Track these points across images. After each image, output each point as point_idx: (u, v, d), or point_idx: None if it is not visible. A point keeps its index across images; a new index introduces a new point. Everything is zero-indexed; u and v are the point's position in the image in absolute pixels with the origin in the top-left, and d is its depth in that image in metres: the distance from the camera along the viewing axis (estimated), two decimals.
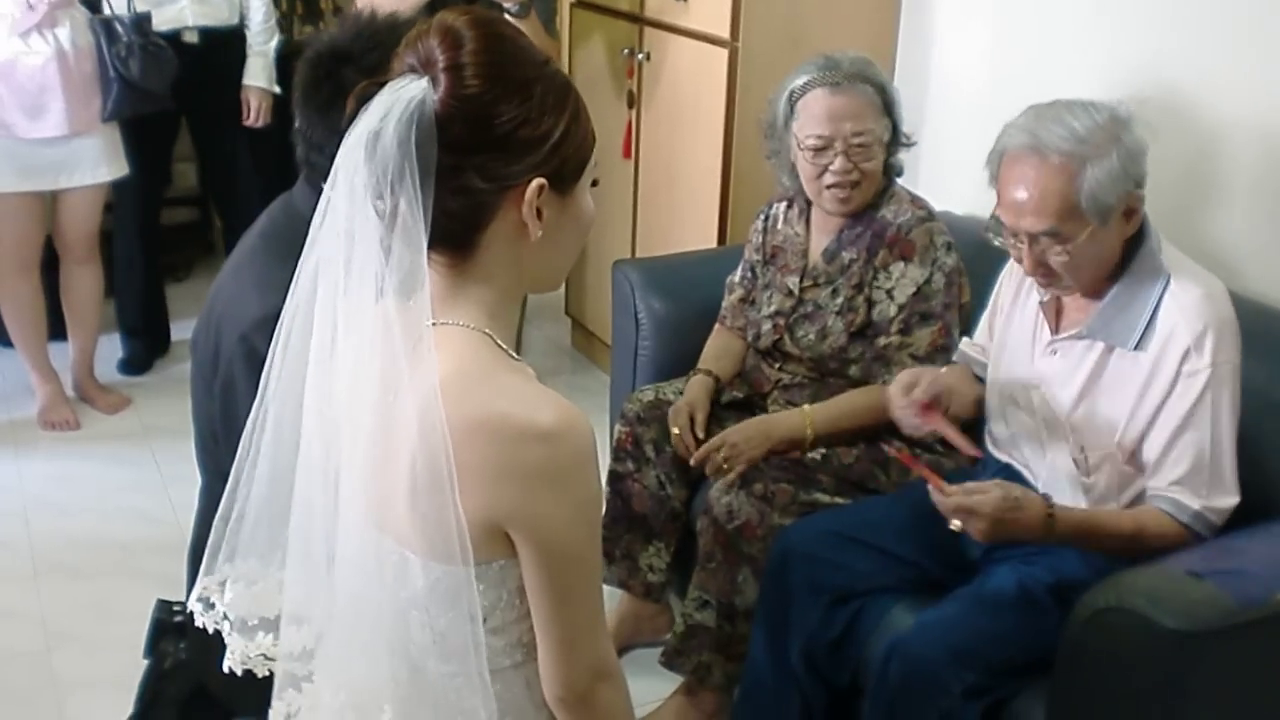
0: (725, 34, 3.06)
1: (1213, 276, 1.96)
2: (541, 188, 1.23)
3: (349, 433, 1.23)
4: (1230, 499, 1.92)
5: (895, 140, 2.47)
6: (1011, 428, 2.16)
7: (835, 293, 2.46)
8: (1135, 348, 1.93)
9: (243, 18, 3.90)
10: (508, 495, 1.19)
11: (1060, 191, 1.87)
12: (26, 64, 3.33)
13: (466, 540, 1.18)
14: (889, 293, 2.39)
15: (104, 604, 2.84)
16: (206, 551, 1.32)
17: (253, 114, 3.95)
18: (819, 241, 2.52)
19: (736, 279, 2.70)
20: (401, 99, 1.18)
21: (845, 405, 2.41)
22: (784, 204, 2.61)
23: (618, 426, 2.60)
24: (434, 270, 1.25)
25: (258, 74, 3.93)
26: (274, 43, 3.97)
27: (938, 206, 2.98)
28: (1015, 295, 2.18)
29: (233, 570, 1.32)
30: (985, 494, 1.88)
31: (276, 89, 3.98)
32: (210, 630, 1.35)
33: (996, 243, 2.00)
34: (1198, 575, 1.75)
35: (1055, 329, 2.06)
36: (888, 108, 2.43)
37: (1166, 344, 1.90)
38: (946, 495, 1.89)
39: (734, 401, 2.62)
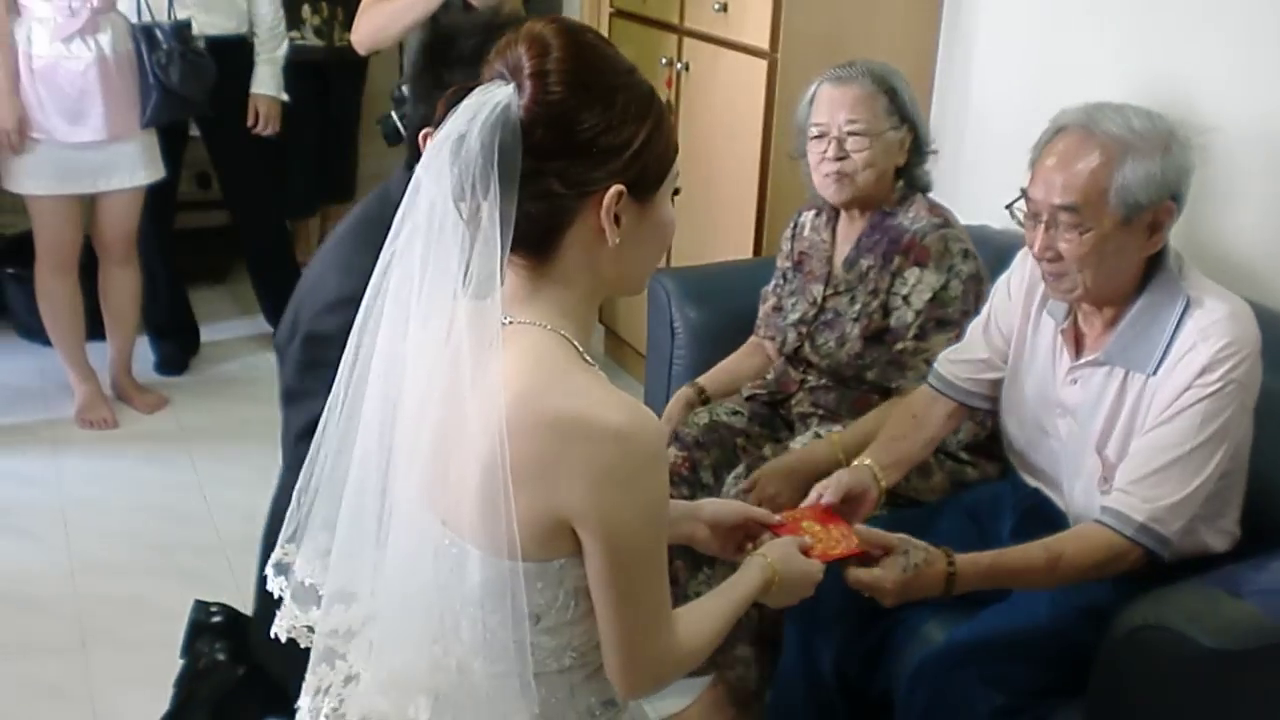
0: (765, 45, 3.06)
1: (1237, 298, 1.90)
2: (620, 194, 1.26)
3: (413, 424, 1.25)
4: (1181, 517, 1.83)
5: (916, 148, 2.48)
6: (1041, 455, 2.13)
7: (853, 300, 2.47)
8: (1154, 372, 1.88)
9: (251, 26, 3.93)
10: (577, 493, 1.21)
11: (1094, 172, 1.84)
12: (68, 69, 3.36)
13: (515, 537, 1.21)
14: (905, 298, 2.40)
15: (139, 602, 2.87)
16: (285, 521, 1.35)
17: (261, 121, 3.99)
18: (842, 250, 2.53)
19: (770, 288, 2.71)
20: (488, 103, 1.21)
21: (871, 425, 2.36)
22: (812, 212, 2.63)
23: (673, 450, 2.51)
24: (513, 271, 1.28)
25: (266, 82, 3.97)
26: (282, 50, 4.00)
27: (976, 220, 2.97)
28: (1028, 318, 2.11)
29: (304, 543, 1.35)
30: (885, 571, 1.82)
31: (284, 96, 4.02)
32: (277, 595, 1.37)
33: (1015, 220, 1.96)
34: (1236, 594, 1.74)
35: (1075, 356, 2.02)
36: (899, 110, 2.44)
37: (1182, 361, 1.85)
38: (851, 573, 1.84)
39: (757, 398, 2.63)
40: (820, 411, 2.52)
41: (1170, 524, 1.83)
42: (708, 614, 1.44)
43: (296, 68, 4.10)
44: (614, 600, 1.25)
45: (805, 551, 1.65)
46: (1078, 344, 2.02)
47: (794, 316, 2.57)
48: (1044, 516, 2.09)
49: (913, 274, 2.39)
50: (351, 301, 1.49)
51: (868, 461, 2.11)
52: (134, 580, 2.96)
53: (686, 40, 3.43)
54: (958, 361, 2.20)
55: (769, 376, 2.65)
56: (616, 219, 1.26)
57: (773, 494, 2.27)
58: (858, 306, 2.46)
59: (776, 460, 2.38)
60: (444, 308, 1.23)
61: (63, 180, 3.45)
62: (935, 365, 2.24)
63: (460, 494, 1.26)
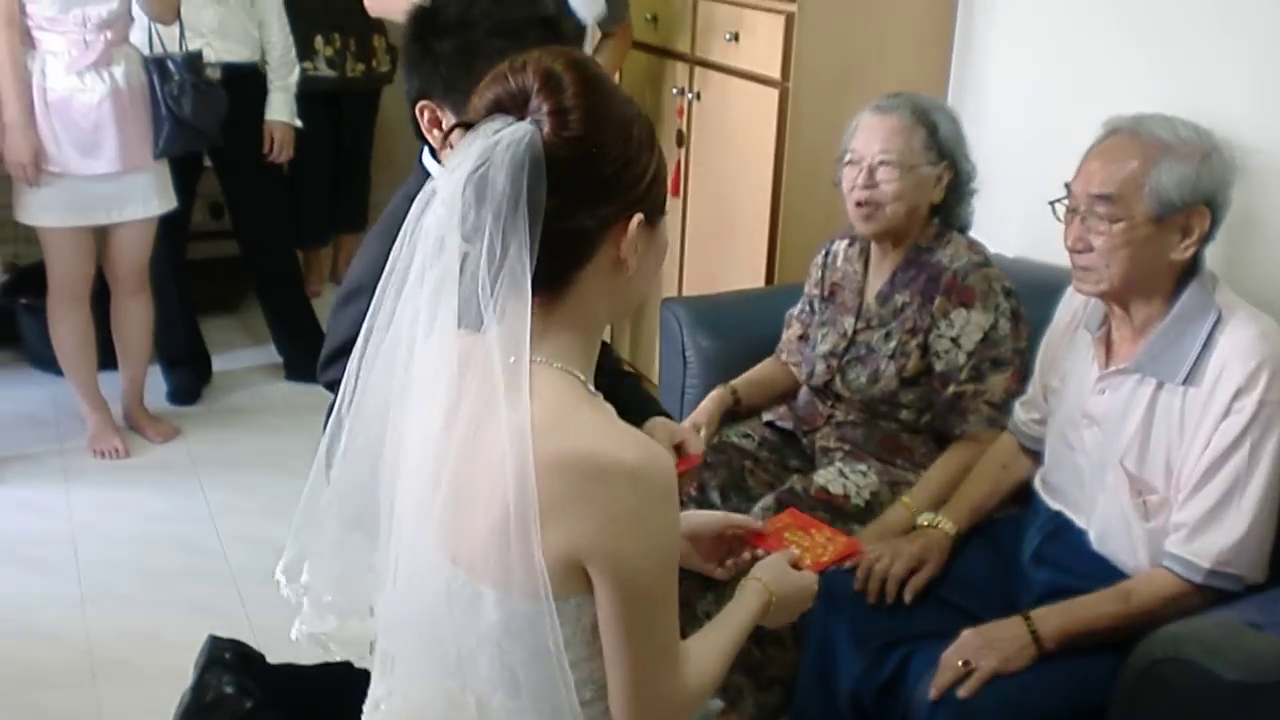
0: (776, 74, 3.07)
1: (1268, 317, 1.93)
2: (640, 223, 1.27)
3: (420, 464, 1.24)
4: (1248, 551, 1.86)
5: (957, 186, 2.46)
6: (1064, 472, 2.14)
7: (888, 336, 2.44)
8: (1184, 382, 1.90)
9: (264, 55, 3.95)
10: (590, 532, 1.20)
11: (1133, 166, 1.90)
12: (82, 101, 3.38)
13: (545, 576, 1.20)
14: (954, 340, 2.36)
15: (150, 633, 2.86)
16: (295, 521, 1.35)
17: (276, 148, 4.00)
18: (874, 283, 2.51)
19: (795, 313, 2.70)
20: (505, 141, 1.20)
21: (940, 476, 2.35)
22: (845, 241, 2.61)
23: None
24: (509, 309, 1.26)
25: (280, 109, 4.00)
26: (294, 77, 4.03)
27: (991, 250, 2.97)
28: (1068, 345, 2.16)
29: (315, 544, 1.35)
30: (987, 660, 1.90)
31: (298, 123, 4.04)
32: (293, 601, 1.37)
33: (1055, 216, 2.02)
34: (1257, 626, 1.72)
35: (1105, 364, 2.04)
36: (938, 145, 2.43)
37: (1218, 381, 1.87)
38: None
39: (782, 430, 2.61)
40: (846, 446, 2.49)
41: (1238, 562, 1.86)
42: (711, 648, 1.43)
43: (309, 98, 4.13)
44: (622, 639, 1.24)
45: (795, 564, 1.64)
46: (1108, 353, 2.04)
47: (824, 348, 2.55)
48: (1066, 539, 2.10)
49: (959, 315, 2.37)
50: (357, 291, 1.52)
51: (947, 528, 2.19)
52: (144, 611, 2.95)
53: (698, 69, 3.43)
54: (1029, 419, 2.27)
55: (796, 403, 2.64)
56: (634, 247, 1.27)
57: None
58: (893, 344, 2.43)
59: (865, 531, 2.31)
60: (456, 344, 1.23)
61: (76, 212, 3.46)
62: (1014, 418, 2.30)
63: (473, 533, 1.25)
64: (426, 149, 1.88)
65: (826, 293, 2.60)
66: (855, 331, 2.50)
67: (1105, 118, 2.10)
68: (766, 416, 2.64)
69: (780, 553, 1.67)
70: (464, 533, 1.25)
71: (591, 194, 1.23)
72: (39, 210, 3.45)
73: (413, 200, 1.85)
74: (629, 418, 1.31)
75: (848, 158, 2.45)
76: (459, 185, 1.21)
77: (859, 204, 2.42)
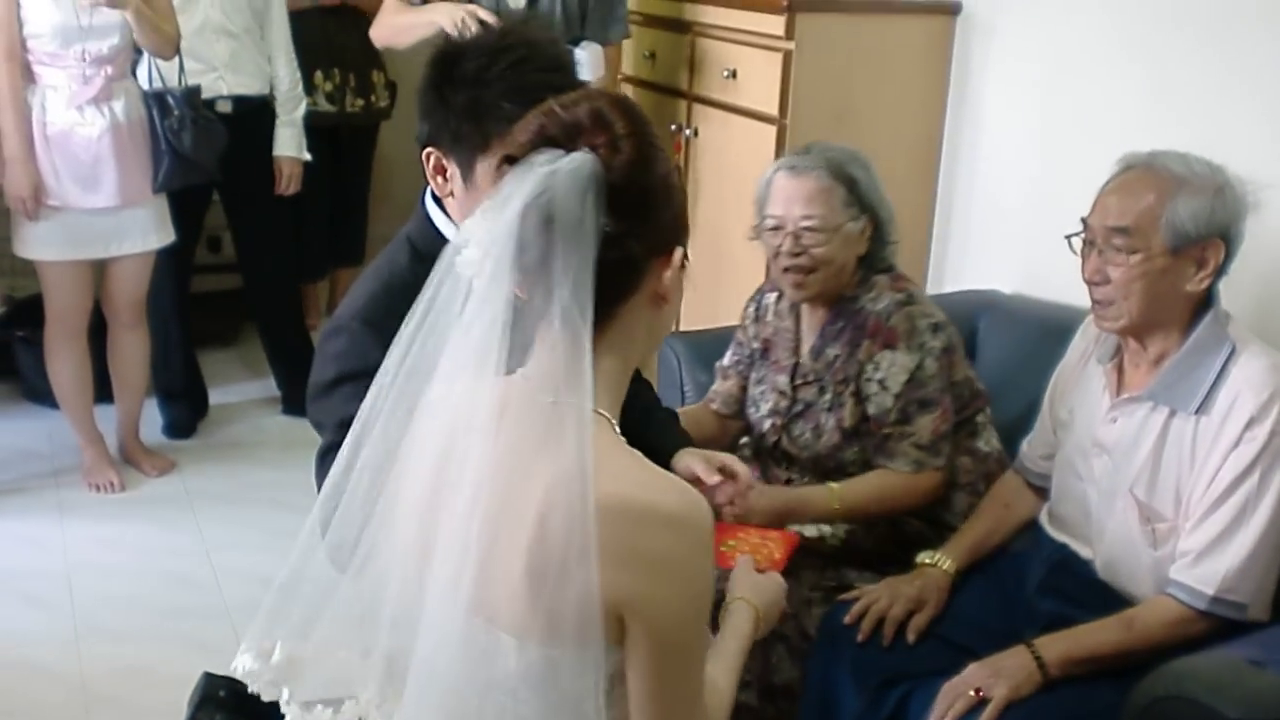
0: (774, 111, 3.08)
1: (1278, 351, 1.95)
2: (682, 255, 1.29)
3: (449, 510, 1.21)
4: (1252, 578, 1.86)
5: (878, 236, 2.38)
6: (1070, 503, 2.14)
7: (823, 390, 2.40)
8: (1197, 411, 1.91)
9: (272, 87, 3.97)
10: (627, 579, 1.18)
11: (1149, 199, 1.93)
12: (81, 135, 3.39)
13: (597, 622, 1.18)
14: (881, 383, 2.31)
15: (144, 669, 2.84)
16: (263, 613, 1.32)
17: (284, 182, 4.01)
18: (808, 338, 2.45)
19: (727, 364, 2.61)
20: (565, 171, 1.20)
21: (871, 487, 2.33)
22: (775, 295, 2.54)
23: None
24: (553, 348, 1.24)
25: (288, 143, 4.00)
26: (300, 111, 4.04)
27: (986, 285, 2.98)
28: (1079, 378, 2.17)
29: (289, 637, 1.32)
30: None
31: (307, 156, 4.05)
32: (269, 699, 1.34)
33: (1071, 249, 2.03)
34: (1259, 664, 1.72)
35: (1117, 393, 2.05)
36: (859, 199, 2.34)
37: (1230, 411, 1.89)
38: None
39: None
40: None
41: (1242, 589, 1.86)
42: (720, 679, 1.41)
43: (309, 133, 4.14)
44: (655, 687, 1.22)
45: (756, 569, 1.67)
46: (1120, 382, 2.05)
47: (766, 407, 2.50)
48: (1071, 570, 2.09)
49: (885, 357, 2.31)
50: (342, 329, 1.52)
51: (947, 567, 2.19)
52: (139, 646, 2.94)
53: (696, 106, 3.45)
54: (1036, 455, 2.26)
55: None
56: (677, 280, 1.29)
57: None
58: (828, 397, 2.39)
59: (770, 498, 2.29)
60: (487, 386, 1.21)
61: (75, 246, 3.46)
62: (1020, 456, 2.30)
63: (498, 580, 1.22)
64: (430, 190, 1.88)
65: (762, 349, 2.54)
66: (795, 388, 2.45)
67: (1103, 153, 2.12)
68: None
69: (742, 562, 1.69)
70: (487, 581, 1.22)
71: (643, 223, 1.24)
72: (38, 244, 3.45)
73: (414, 241, 1.86)
74: (661, 456, 1.29)
75: (770, 224, 2.36)
76: (514, 217, 1.19)
77: (787, 270, 2.34)
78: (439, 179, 1.82)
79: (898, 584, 2.16)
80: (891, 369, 2.30)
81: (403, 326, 1.26)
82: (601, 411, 1.25)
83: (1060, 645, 1.93)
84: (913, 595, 2.14)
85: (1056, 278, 2.83)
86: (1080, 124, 2.84)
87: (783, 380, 2.47)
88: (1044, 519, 2.21)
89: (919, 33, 3.16)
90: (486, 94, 1.72)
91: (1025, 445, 2.30)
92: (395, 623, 1.27)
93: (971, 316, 2.82)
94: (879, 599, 2.14)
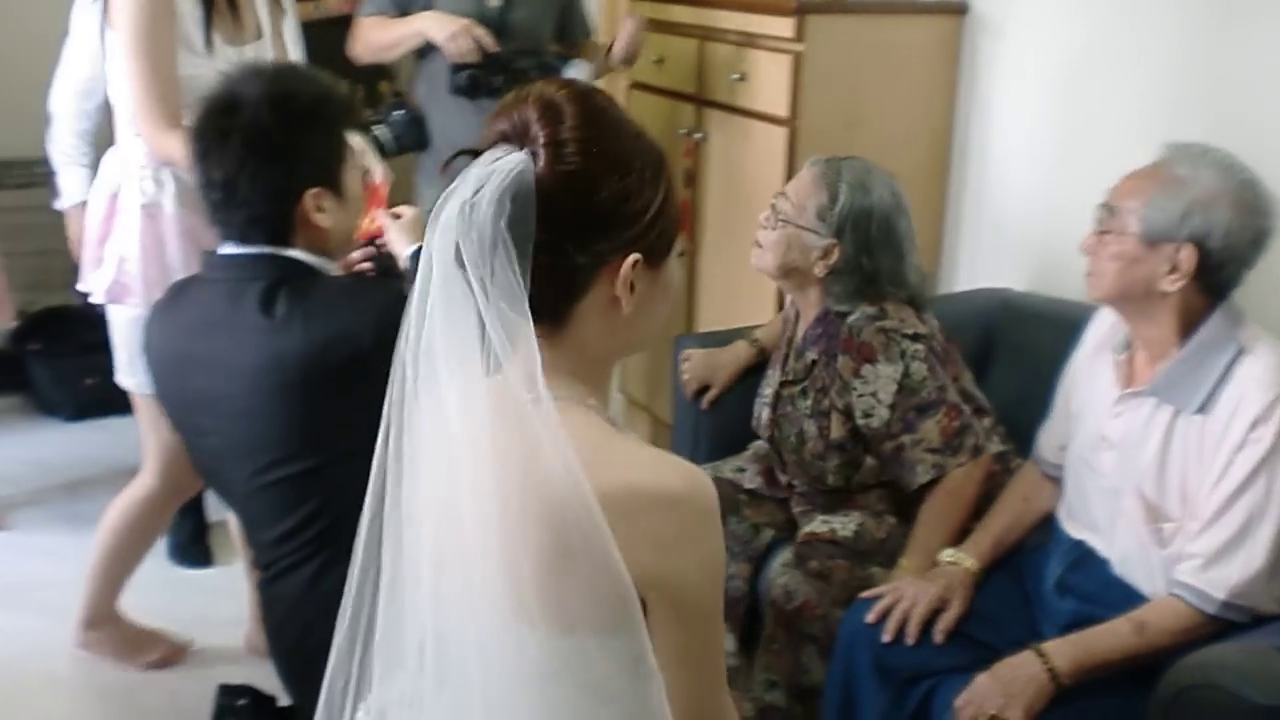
0: (784, 113, 3.09)
1: None
2: (636, 263, 1.24)
3: (450, 511, 1.21)
4: (1261, 584, 1.87)
5: (848, 268, 2.34)
6: (1084, 497, 2.14)
7: (804, 393, 2.41)
8: (1199, 410, 1.91)
9: None
10: (644, 563, 1.18)
11: (1142, 187, 1.96)
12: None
13: (621, 606, 1.17)
14: (874, 396, 2.30)
15: (158, 679, 2.84)
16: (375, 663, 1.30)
17: None
18: (798, 338, 2.48)
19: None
20: (499, 171, 1.19)
21: (923, 533, 2.29)
22: None
23: None
24: (521, 345, 1.23)
25: None
26: None
27: (998, 284, 2.99)
28: (1090, 367, 2.17)
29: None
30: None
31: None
32: None
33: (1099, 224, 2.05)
34: None
35: (1124, 387, 2.05)
36: (835, 219, 2.33)
37: (1235, 412, 1.88)
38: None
39: (759, 494, 2.61)
40: (815, 510, 2.47)
41: (1252, 595, 1.86)
42: None
43: None
44: (684, 662, 1.23)
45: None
46: (1129, 376, 2.05)
47: (766, 392, 2.55)
48: (1089, 568, 2.09)
49: (869, 371, 2.30)
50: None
51: (970, 565, 2.18)
52: None
53: (705, 110, 3.46)
54: (1053, 445, 2.26)
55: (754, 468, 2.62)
56: (630, 286, 1.25)
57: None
58: (809, 402, 2.40)
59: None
60: (473, 383, 1.20)
61: None
62: (1037, 447, 2.29)
63: (517, 577, 1.20)
64: None
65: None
66: (781, 384, 2.48)
67: (1113, 151, 2.14)
68: (748, 485, 2.62)
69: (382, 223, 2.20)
70: (510, 577, 1.21)
71: (582, 229, 1.21)
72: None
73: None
74: None
75: None
76: (451, 217, 1.18)
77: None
78: (318, 215, 1.96)
79: (921, 582, 2.16)
80: (879, 381, 2.29)
81: (399, 342, 1.25)
82: (590, 403, 1.26)
83: (1072, 652, 1.92)
84: (936, 594, 2.13)
85: (1069, 275, 2.82)
86: (1089, 122, 2.84)
87: (775, 374, 2.51)
88: (1061, 515, 2.21)
89: (928, 33, 3.17)
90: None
91: (1041, 436, 2.30)
92: (421, 628, 1.26)
93: (985, 315, 2.83)
94: (902, 598, 2.13)
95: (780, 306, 3.22)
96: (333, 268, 2.04)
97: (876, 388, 2.29)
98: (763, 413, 2.53)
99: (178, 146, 2.33)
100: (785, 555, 2.39)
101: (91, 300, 2.69)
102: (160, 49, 2.46)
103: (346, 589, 1.29)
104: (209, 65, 2.51)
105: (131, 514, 2.80)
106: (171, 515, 2.89)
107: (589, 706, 1.23)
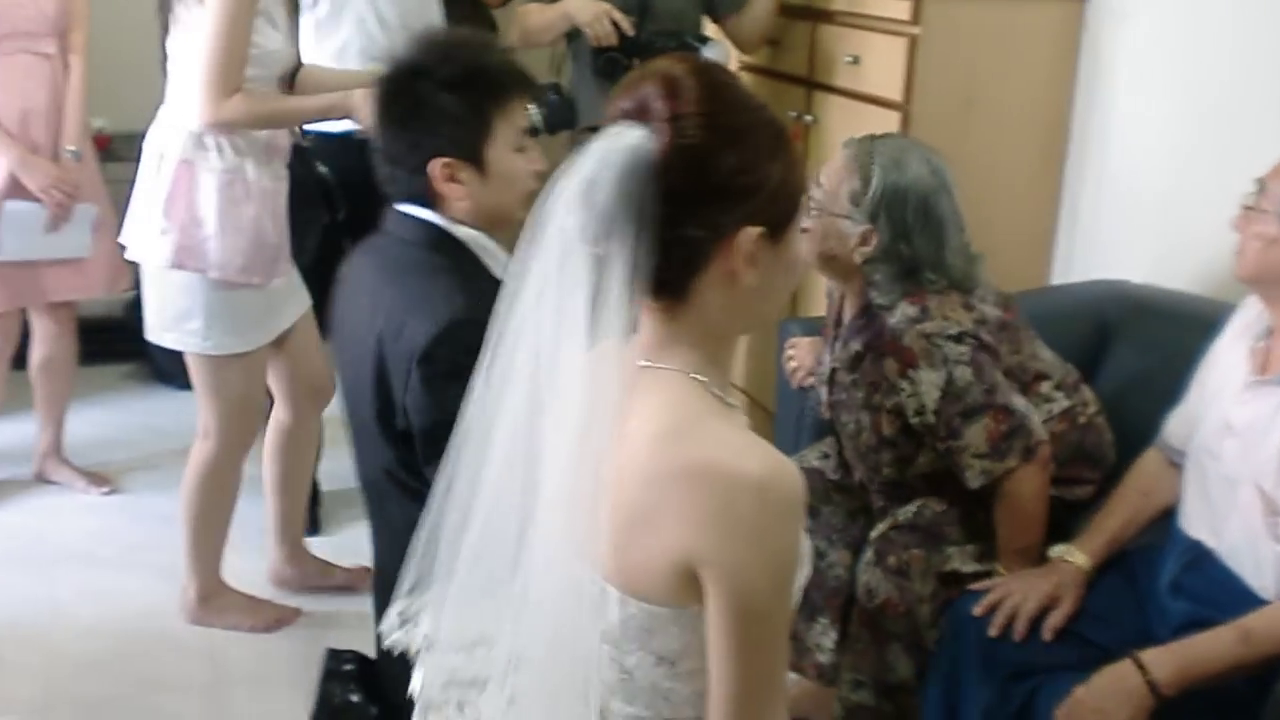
0: (898, 96, 3.04)
1: None
2: (757, 236, 1.24)
3: (554, 469, 1.23)
4: None
5: (888, 257, 2.25)
6: (1203, 486, 2.06)
7: (855, 384, 2.35)
8: None
9: None
10: (709, 541, 1.18)
11: None
12: (283, 194, 2.80)
13: (664, 580, 1.20)
14: (920, 400, 2.22)
15: (273, 641, 2.89)
16: (409, 574, 1.35)
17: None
18: (846, 320, 2.41)
19: None
20: (618, 146, 1.20)
21: (1004, 544, 2.26)
22: None
23: None
24: (648, 315, 1.27)
25: None
26: None
27: (1116, 275, 2.92)
28: (1228, 347, 2.11)
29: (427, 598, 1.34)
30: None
31: None
32: (413, 650, 1.37)
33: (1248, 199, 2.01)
34: None
35: (1256, 374, 1.99)
36: (868, 204, 2.24)
37: None
38: None
39: (841, 485, 2.57)
40: (886, 503, 2.43)
41: None
42: None
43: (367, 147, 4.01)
44: (727, 654, 1.20)
45: None
46: (1263, 365, 1.99)
47: (823, 371, 2.50)
48: (1205, 569, 2.03)
49: (915, 375, 2.22)
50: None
51: (1082, 563, 2.14)
52: None
53: (815, 93, 3.43)
54: (1179, 431, 2.17)
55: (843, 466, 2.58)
56: (752, 260, 1.25)
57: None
58: (861, 395, 2.34)
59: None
60: (578, 353, 1.21)
61: (274, 319, 2.84)
62: (1163, 433, 2.21)
63: (599, 532, 1.23)
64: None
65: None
66: (833, 369, 2.43)
67: (1239, 143, 2.08)
68: (830, 476, 2.59)
69: None
70: (593, 533, 1.23)
71: (700, 202, 1.22)
72: (236, 337, 2.74)
73: (415, 240, 1.97)
74: None
75: None
76: (568, 189, 1.21)
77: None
78: (452, 185, 1.93)
79: (1031, 578, 2.12)
80: (923, 387, 2.22)
81: (500, 305, 1.26)
82: (698, 376, 1.26)
83: (1173, 662, 1.86)
84: (1047, 591, 2.09)
85: (1190, 267, 2.76)
86: (1216, 111, 2.76)
87: (827, 356, 2.48)
88: (1179, 513, 2.15)
89: (1048, 18, 3.10)
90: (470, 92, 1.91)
91: (1170, 421, 2.21)
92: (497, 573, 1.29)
93: (1100, 306, 2.77)
94: (1012, 593, 2.10)
95: None
96: (490, 244, 2.01)
97: (922, 394, 2.22)
98: (821, 390, 2.50)
99: (226, 113, 2.50)
100: (867, 553, 2.35)
101: (148, 266, 2.72)
102: (242, 16, 2.50)
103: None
104: (290, 41, 2.68)
105: (204, 483, 2.88)
106: (241, 472, 2.94)
107: (657, 678, 1.23)
